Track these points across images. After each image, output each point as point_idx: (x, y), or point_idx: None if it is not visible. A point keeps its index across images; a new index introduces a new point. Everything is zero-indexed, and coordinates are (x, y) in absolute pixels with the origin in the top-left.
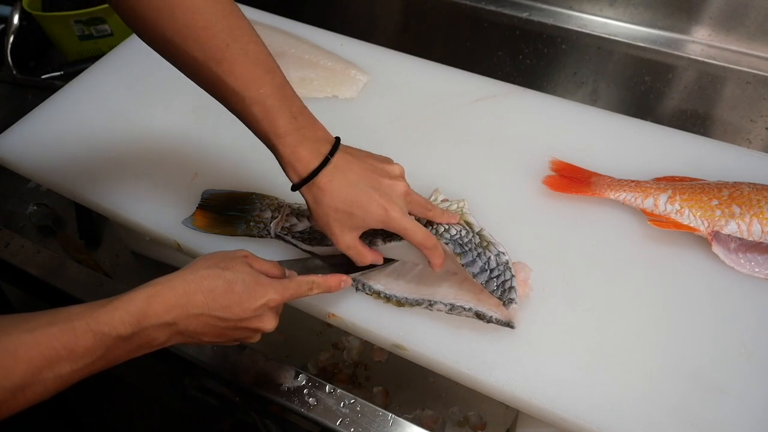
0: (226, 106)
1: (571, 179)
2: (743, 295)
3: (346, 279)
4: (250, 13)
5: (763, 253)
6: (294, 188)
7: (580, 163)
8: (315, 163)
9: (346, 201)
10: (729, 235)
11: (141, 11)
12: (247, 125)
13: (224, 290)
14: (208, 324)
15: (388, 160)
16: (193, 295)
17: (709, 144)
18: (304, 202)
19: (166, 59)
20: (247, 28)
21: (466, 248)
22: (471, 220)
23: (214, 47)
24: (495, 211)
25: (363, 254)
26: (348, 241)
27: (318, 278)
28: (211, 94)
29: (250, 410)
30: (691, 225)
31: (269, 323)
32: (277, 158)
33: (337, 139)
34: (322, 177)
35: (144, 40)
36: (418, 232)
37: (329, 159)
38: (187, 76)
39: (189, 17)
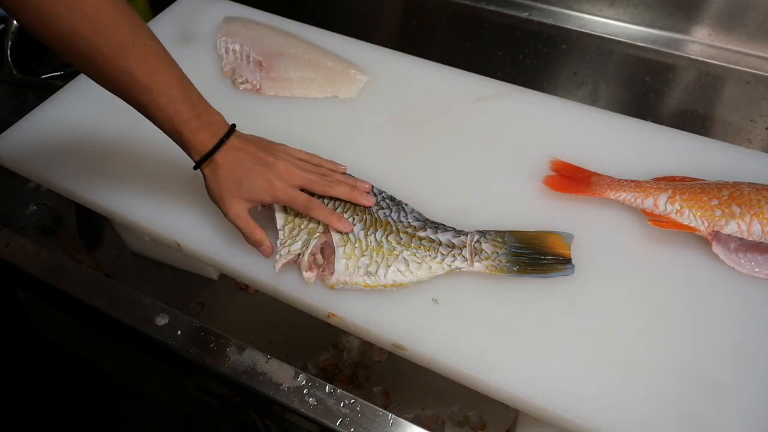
0: (126, 98)
1: (571, 179)
2: (743, 295)
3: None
4: (250, 13)
5: (763, 253)
6: (195, 167)
7: (580, 163)
8: (212, 143)
9: (236, 173)
10: (729, 235)
11: (47, 5)
12: (148, 114)
13: None
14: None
15: (279, 145)
16: None
17: (709, 144)
18: None
19: (67, 55)
20: (147, 28)
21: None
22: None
23: (119, 42)
24: (495, 211)
25: (251, 226)
26: (237, 210)
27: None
28: (110, 88)
29: (250, 410)
30: (691, 225)
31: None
32: (178, 142)
33: (233, 125)
34: (218, 155)
35: (43, 36)
36: (299, 197)
37: (224, 141)
38: (87, 71)
39: (96, 12)
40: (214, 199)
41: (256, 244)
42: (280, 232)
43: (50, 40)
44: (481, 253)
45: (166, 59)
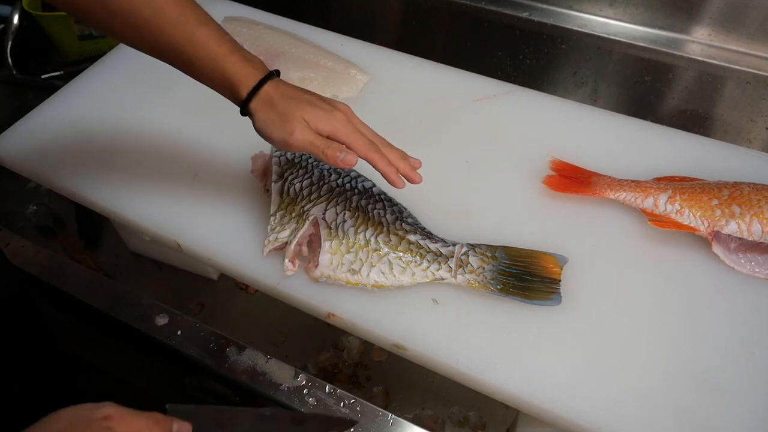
0: (159, 45)
1: (571, 179)
2: (744, 295)
3: None
4: (250, 13)
5: (763, 253)
6: (244, 103)
7: (580, 163)
8: (260, 75)
9: (293, 100)
10: (729, 235)
11: None
12: (186, 55)
13: None
14: None
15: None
16: None
17: (709, 144)
18: None
19: (94, 14)
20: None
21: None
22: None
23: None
24: (495, 211)
25: (325, 141)
26: (303, 130)
27: None
28: (143, 38)
29: None
30: (691, 225)
31: None
32: (221, 82)
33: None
34: (269, 86)
35: (89, 17)
36: (365, 132)
37: (273, 75)
38: (115, 28)
39: None
40: (272, 127)
41: (335, 153)
42: (272, 218)
43: (96, 18)
44: (466, 266)
45: (195, 3)
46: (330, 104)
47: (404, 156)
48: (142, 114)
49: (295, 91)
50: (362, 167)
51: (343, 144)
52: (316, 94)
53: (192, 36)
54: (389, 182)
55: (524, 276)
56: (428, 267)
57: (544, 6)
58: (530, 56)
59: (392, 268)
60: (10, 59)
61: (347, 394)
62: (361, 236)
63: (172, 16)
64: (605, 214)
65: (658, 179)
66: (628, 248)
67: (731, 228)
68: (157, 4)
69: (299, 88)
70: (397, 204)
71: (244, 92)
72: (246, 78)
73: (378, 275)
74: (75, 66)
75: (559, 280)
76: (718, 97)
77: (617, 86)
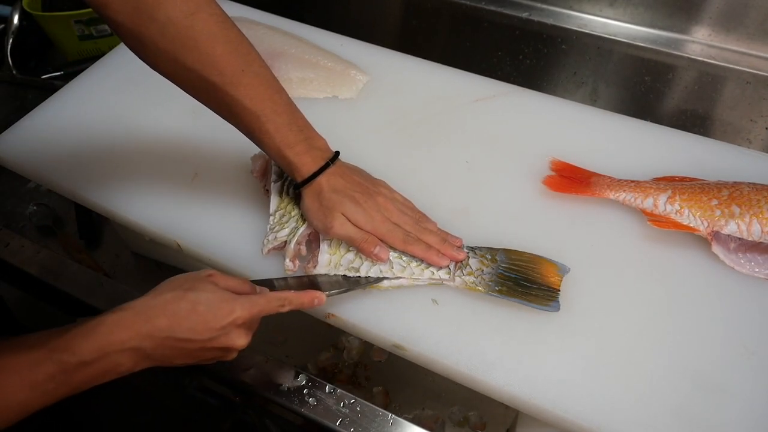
0: (236, 124)
1: (571, 179)
2: (743, 295)
3: (320, 296)
4: (250, 13)
5: (763, 253)
6: (296, 187)
7: (580, 163)
8: (316, 167)
9: (338, 196)
10: (729, 235)
11: (163, 45)
12: (256, 139)
13: (188, 312)
14: (176, 347)
15: (379, 180)
16: (157, 320)
17: (709, 144)
18: None
19: (182, 87)
20: (255, 54)
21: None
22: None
23: (231, 72)
24: (495, 212)
25: (362, 233)
26: (342, 223)
27: (290, 294)
28: (222, 115)
29: (250, 410)
30: (691, 225)
31: (239, 340)
32: (283, 165)
33: (337, 152)
34: (321, 178)
35: (162, 71)
36: (397, 232)
37: (329, 165)
38: (200, 100)
39: (210, 46)
40: (315, 216)
41: (370, 248)
42: (271, 218)
43: (168, 75)
44: (465, 267)
45: (273, 85)
46: (372, 198)
47: (444, 237)
48: (142, 114)
49: (344, 183)
50: (364, 163)
51: (380, 239)
52: (363, 181)
53: (263, 126)
54: (431, 263)
55: (522, 281)
56: (428, 267)
57: (544, 6)
58: (530, 56)
59: (392, 268)
60: (10, 59)
61: (347, 394)
62: None
63: (249, 104)
64: (605, 214)
65: (658, 179)
66: (627, 248)
67: (731, 228)
68: (240, 92)
69: (350, 179)
70: None
71: (298, 179)
72: (303, 167)
73: (377, 274)
74: (75, 66)
75: (558, 290)
76: (718, 97)
77: (617, 86)
